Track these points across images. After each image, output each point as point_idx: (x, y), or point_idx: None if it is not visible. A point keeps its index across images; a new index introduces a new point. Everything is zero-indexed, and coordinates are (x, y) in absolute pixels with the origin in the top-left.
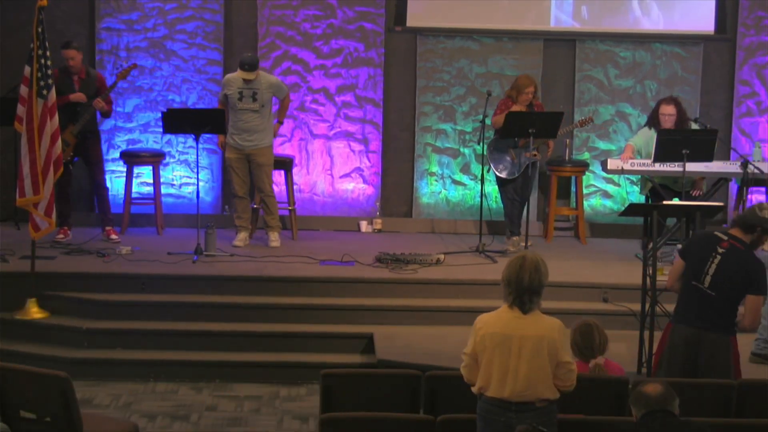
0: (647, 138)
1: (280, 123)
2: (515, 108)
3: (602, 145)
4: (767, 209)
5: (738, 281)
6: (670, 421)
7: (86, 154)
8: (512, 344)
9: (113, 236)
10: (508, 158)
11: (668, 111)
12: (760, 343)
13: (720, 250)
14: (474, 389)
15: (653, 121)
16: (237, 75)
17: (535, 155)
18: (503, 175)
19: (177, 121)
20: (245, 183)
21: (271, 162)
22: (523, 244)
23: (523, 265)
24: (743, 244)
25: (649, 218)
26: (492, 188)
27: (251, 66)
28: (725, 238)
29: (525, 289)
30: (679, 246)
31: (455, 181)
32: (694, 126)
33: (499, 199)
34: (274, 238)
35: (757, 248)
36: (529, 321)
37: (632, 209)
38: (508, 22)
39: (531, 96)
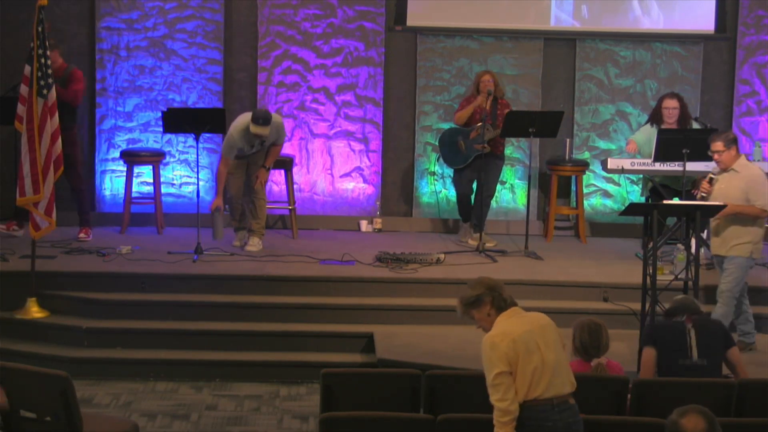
0: (648, 135)
1: (267, 169)
2: (480, 101)
3: (602, 144)
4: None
5: (719, 343)
6: None
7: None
8: (535, 338)
9: (81, 234)
10: (456, 149)
11: (671, 105)
12: (744, 330)
13: (689, 325)
14: (519, 400)
15: (656, 117)
16: (247, 129)
17: (484, 147)
18: (448, 164)
19: (177, 121)
20: (240, 187)
21: (269, 164)
22: (470, 243)
23: (479, 278)
24: (697, 314)
25: (650, 217)
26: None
27: (266, 121)
28: (683, 318)
29: (498, 286)
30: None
31: None
32: (695, 125)
33: (499, 198)
34: (253, 243)
35: None
36: (528, 314)
37: (632, 208)
38: (508, 21)
39: (491, 85)
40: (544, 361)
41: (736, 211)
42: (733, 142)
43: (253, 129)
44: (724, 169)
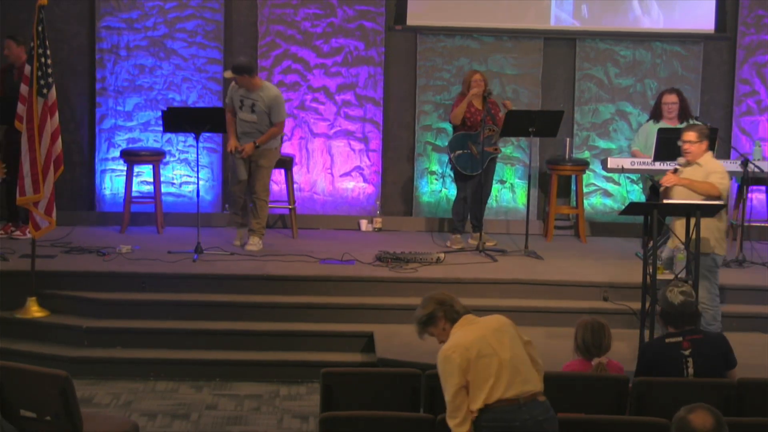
0: (647, 134)
1: (258, 146)
2: (475, 102)
3: (602, 143)
4: (674, 291)
5: (719, 366)
6: None
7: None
8: (489, 341)
9: (17, 233)
10: (469, 153)
11: (671, 100)
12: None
13: (687, 351)
14: (477, 408)
15: (656, 112)
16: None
17: (496, 150)
18: (467, 171)
19: (177, 120)
20: (242, 183)
21: (271, 165)
22: (470, 243)
23: (429, 295)
24: (697, 332)
25: (649, 217)
26: (494, 187)
27: (233, 69)
28: (680, 339)
29: (449, 298)
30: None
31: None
32: (695, 123)
33: (499, 198)
34: (253, 242)
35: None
36: (482, 319)
37: (632, 208)
38: (508, 20)
39: (482, 84)
40: (501, 362)
41: (687, 185)
42: (706, 136)
43: (225, 73)
44: (690, 162)
